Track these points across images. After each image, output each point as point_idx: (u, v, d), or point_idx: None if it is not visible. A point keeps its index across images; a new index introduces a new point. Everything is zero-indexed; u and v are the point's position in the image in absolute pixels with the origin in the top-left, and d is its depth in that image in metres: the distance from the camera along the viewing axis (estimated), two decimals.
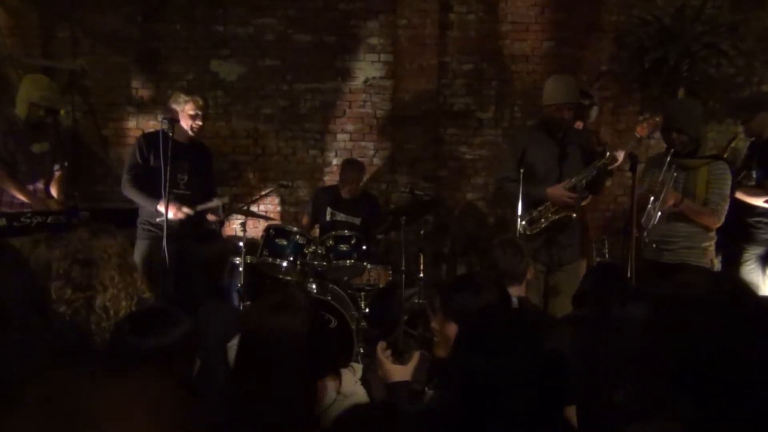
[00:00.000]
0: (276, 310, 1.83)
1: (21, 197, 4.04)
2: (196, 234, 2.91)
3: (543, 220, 3.86)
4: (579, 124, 4.68)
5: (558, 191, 3.82)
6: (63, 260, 2.30)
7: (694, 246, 3.69)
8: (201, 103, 4.11)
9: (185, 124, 4.07)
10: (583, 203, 4.05)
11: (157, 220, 3.93)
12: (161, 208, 3.88)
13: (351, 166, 5.04)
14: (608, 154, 3.77)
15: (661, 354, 1.31)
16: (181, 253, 2.81)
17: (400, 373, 2.16)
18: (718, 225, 3.69)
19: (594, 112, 5.00)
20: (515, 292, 2.66)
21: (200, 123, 4.12)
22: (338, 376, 2.02)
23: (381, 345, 2.24)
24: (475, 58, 5.85)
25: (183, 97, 4.11)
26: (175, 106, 4.09)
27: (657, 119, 3.88)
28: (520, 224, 3.79)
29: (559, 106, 3.89)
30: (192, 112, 4.08)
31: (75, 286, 2.28)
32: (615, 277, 2.74)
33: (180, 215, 3.96)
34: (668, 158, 3.60)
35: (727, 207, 3.69)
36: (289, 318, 1.80)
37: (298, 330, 1.78)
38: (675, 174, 3.63)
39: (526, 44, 5.84)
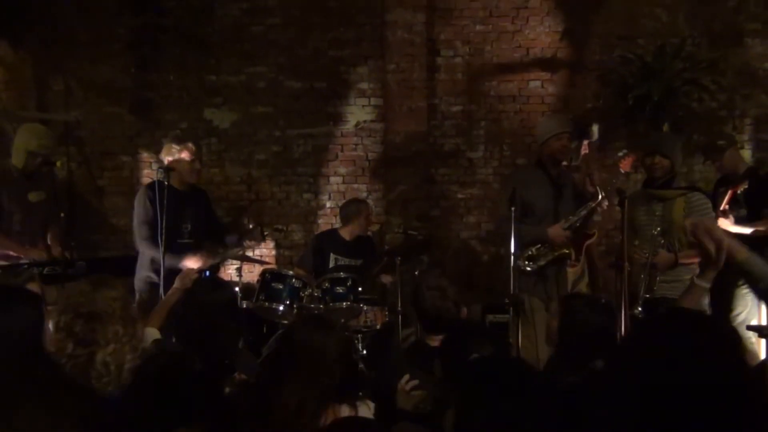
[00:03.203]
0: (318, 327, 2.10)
1: (10, 251, 4.02)
2: (204, 283, 2.91)
3: (542, 258, 3.93)
4: (585, 147, 4.81)
5: (558, 231, 3.89)
6: (65, 313, 2.23)
7: (676, 279, 3.72)
8: (195, 148, 4.17)
9: (185, 172, 4.07)
10: (589, 241, 4.15)
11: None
12: (189, 262, 3.85)
13: (365, 204, 5.12)
14: (601, 196, 3.89)
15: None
16: (192, 303, 2.77)
17: None
18: None
19: (595, 128, 5.15)
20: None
21: (199, 167, 4.20)
22: (354, 408, 2.10)
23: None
24: (463, 99, 5.97)
25: (175, 147, 4.10)
26: (169, 158, 4.07)
27: (637, 154, 4.03)
28: (520, 261, 3.82)
29: (558, 135, 3.98)
30: (189, 158, 4.10)
31: (77, 341, 2.19)
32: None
33: (204, 265, 3.90)
34: (656, 232, 3.72)
35: None
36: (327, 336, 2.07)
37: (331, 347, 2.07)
38: (659, 237, 3.72)
39: (513, 85, 5.96)
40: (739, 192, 4.41)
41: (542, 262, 3.92)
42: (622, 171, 4.08)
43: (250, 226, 4.37)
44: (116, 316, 2.25)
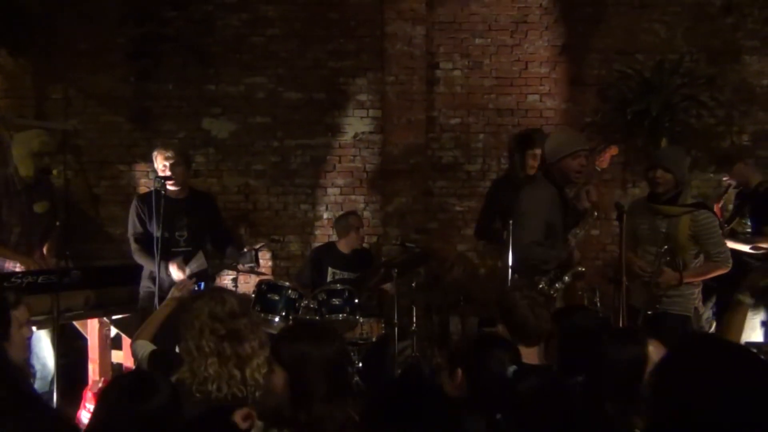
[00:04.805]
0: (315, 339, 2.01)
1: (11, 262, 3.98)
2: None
3: (560, 281, 3.68)
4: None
5: (574, 252, 3.75)
6: (206, 338, 2.20)
7: (678, 295, 3.67)
8: (167, 153, 4.00)
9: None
10: None
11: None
12: (172, 269, 3.85)
13: (354, 217, 5.10)
14: (596, 213, 3.80)
15: None
16: None
17: None
18: (728, 270, 3.67)
19: None
20: (532, 354, 2.53)
21: (169, 173, 3.95)
22: None
23: None
24: (462, 112, 5.98)
25: (154, 154, 4.07)
26: (156, 167, 4.07)
27: (612, 148, 4.01)
28: (542, 285, 3.61)
29: (576, 153, 3.68)
30: (161, 166, 4.00)
31: (234, 363, 2.19)
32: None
33: (182, 276, 3.84)
34: (663, 250, 3.61)
35: (727, 249, 3.69)
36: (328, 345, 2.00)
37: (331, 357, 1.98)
38: (666, 255, 3.63)
39: (511, 98, 5.98)
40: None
41: (562, 285, 3.66)
42: (599, 168, 4.04)
43: (245, 249, 4.30)
44: (246, 331, 2.25)
